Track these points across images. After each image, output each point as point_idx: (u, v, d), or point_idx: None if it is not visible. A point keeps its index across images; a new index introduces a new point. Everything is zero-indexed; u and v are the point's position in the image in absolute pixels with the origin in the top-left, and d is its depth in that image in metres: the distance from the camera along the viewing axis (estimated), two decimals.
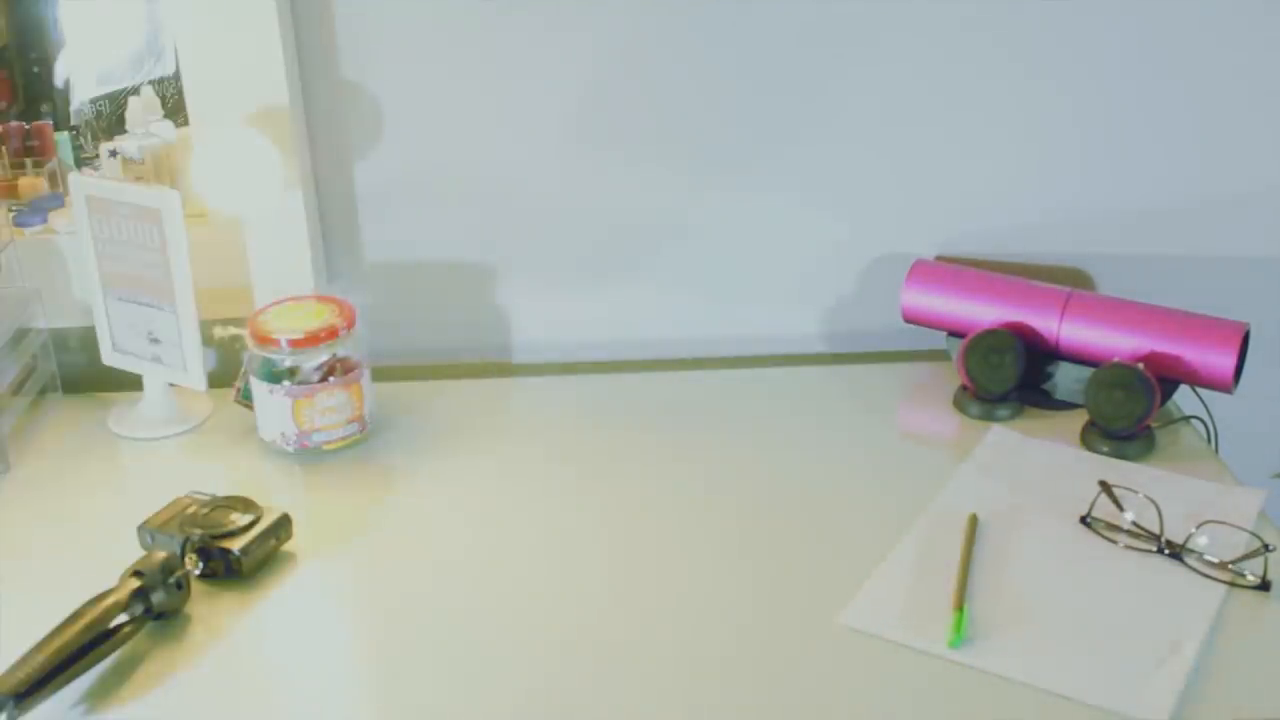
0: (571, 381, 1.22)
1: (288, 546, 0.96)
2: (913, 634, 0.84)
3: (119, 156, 1.18)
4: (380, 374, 1.15)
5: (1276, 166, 1.19)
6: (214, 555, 0.91)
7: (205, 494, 0.96)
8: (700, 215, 1.22)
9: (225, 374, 1.14)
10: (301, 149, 1.15)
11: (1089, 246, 1.23)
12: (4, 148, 1.20)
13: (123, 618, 0.83)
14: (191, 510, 0.94)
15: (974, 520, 0.95)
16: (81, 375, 1.19)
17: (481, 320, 1.26)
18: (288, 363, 1.05)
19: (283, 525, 0.94)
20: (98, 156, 1.20)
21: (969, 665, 0.81)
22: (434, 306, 1.25)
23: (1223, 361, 1.05)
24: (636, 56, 1.15)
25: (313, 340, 1.05)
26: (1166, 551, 0.91)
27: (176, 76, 1.15)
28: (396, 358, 1.25)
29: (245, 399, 1.11)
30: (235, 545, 0.91)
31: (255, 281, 1.16)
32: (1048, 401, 1.14)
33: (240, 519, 0.92)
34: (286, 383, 1.05)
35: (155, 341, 1.11)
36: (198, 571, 0.91)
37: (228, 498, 0.95)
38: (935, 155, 1.19)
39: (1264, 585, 0.88)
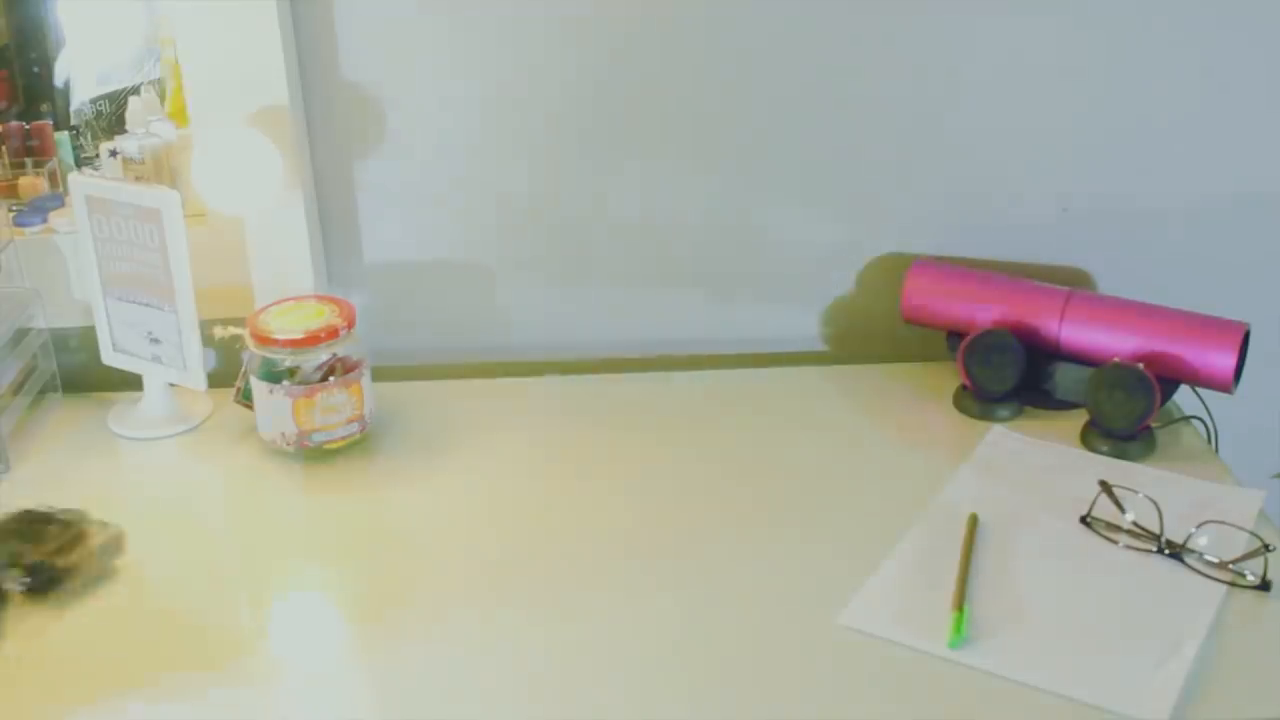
0: (571, 381, 1.21)
1: (288, 546, 0.96)
2: (913, 634, 0.84)
3: (119, 156, 1.18)
4: (380, 374, 1.15)
5: (1276, 166, 1.19)
6: (34, 571, 0.87)
7: (37, 508, 0.93)
8: (700, 215, 1.22)
9: (225, 374, 1.14)
10: (301, 149, 1.15)
11: (1089, 246, 1.23)
12: (4, 148, 1.20)
13: None
14: (10, 525, 0.90)
15: (974, 520, 0.95)
16: (81, 375, 1.19)
17: (481, 320, 1.26)
18: (288, 363, 1.05)
19: (105, 542, 0.90)
20: (98, 156, 1.21)
21: (969, 665, 0.81)
22: (434, 306, 1.25)
23: (1223, 361, 1.05)
24: (636, 57, 1.15)
25: (313, 340, 1.05)
26: (1166, 551, 0.91)
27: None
28: (396, 358, 1.25)
29: (245, 399, 1.11)
30: (58, 561, 0.88)
31: (255, 281, 1.16)
32: (1048, 401, 1.14)
33: (58, 534, 0.90)
34: (286, 383, 1.05)
35: (155, 341, 1.11)
36: (19, 588, 0.87)
37: (46, 512, 0.92)
38: (936, 155, 1.19)
39: (1264, 585, 0.88)
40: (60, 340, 1.19)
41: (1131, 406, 1.03)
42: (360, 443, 1.09)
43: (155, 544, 0.97)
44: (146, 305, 1.10)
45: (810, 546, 0.95)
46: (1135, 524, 0.94)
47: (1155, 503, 0.93)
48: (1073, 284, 1.19)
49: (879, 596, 0.88)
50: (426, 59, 1.15)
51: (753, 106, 1.17)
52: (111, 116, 1.21)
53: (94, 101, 1.22)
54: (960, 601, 0.86)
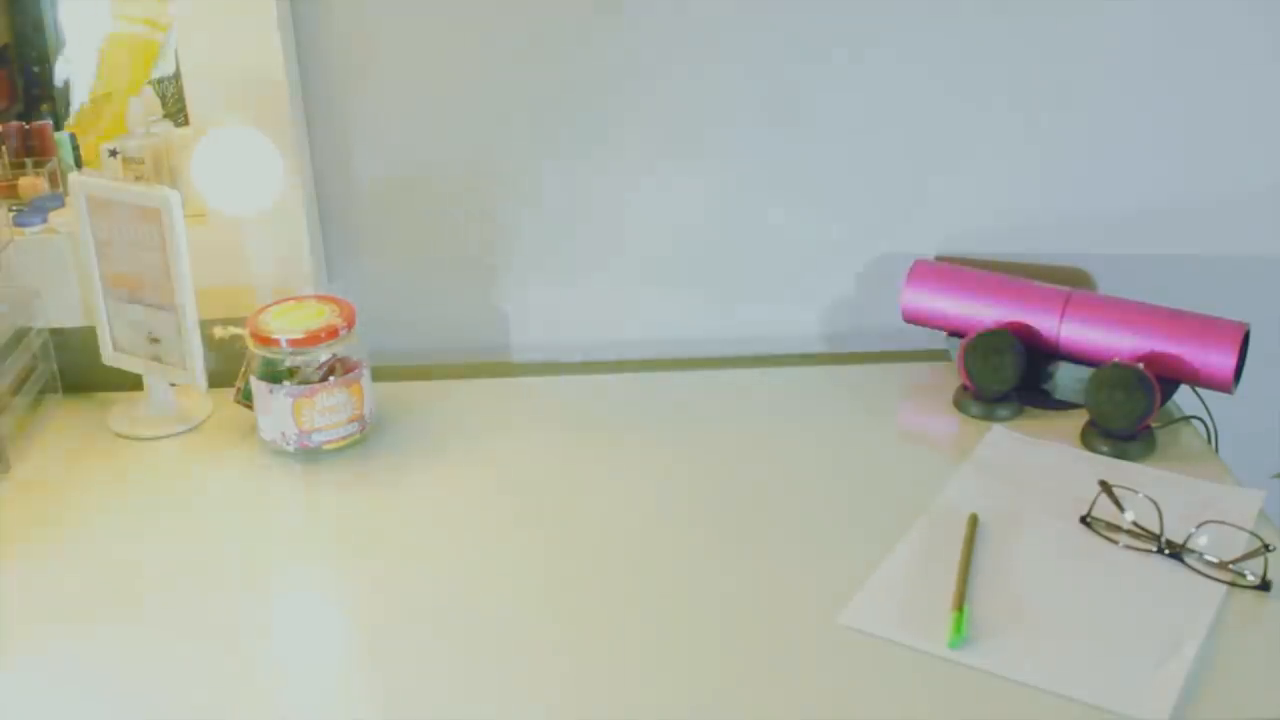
0: (571, 381, 1.21)
1: (288, 546, 0.96)
2: (913, 634, 0.84)
3: (119, 156, 1.18)
4: (380, 374, 1.15)
5: (1276, 166, 1.19)
6: None
7: None
8: (700, 215, 1.22)
9: (225, 374, 1.14)
10: (301, 149, 1.15)
11: (1089, 246, 1.23)
12: (4, 148, 1.20)
13: None
14: None
15: (974, 520, 0.95)
16: (81, 375, 1.19)
17: (481, 320, 1.26)
18: (288, 363, 1.05)
19: None
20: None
21: (969, 665, 0.81)
22: (434, 306, 1.25)
23: (1223, 361, 1.05)
24: (636, 57, 1.15)
25: (313, 340, 1.05)
26: (1166, 551, 0.91)
27: (176, 76, 1.15)
28: (396, 358, 1.25)
29: (245, 399, 1.11)
30: None
31: (255, 281, 1.16)
32: (1048, 401, 1.14)
33: None
34: (287, 383, 1.05)
35: (155, 341, 1.11)
36: None
37: None
38: (935, 155, 1.19)
39: (1264, 585, 0.88)
40: (60, 340, 1.19)
41: (1131, 406, 1.03)
42: (360, 443, 1.09)
43: (155, 544, 0.97)
44: (146, 305, 1.10)
45: (810, 546, 0.95)
46: (1135, 524, 0.94)
47: (1155, 503, 0.93)
48: (1073, 284, 1.19)
49: (879, 596, 0.88)
50: (426, 59, 1.15)
51: (754, 106, 1.17)
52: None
53: (94, 101, 1.22)
54: (960, 601, 0.86)
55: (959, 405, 1.14)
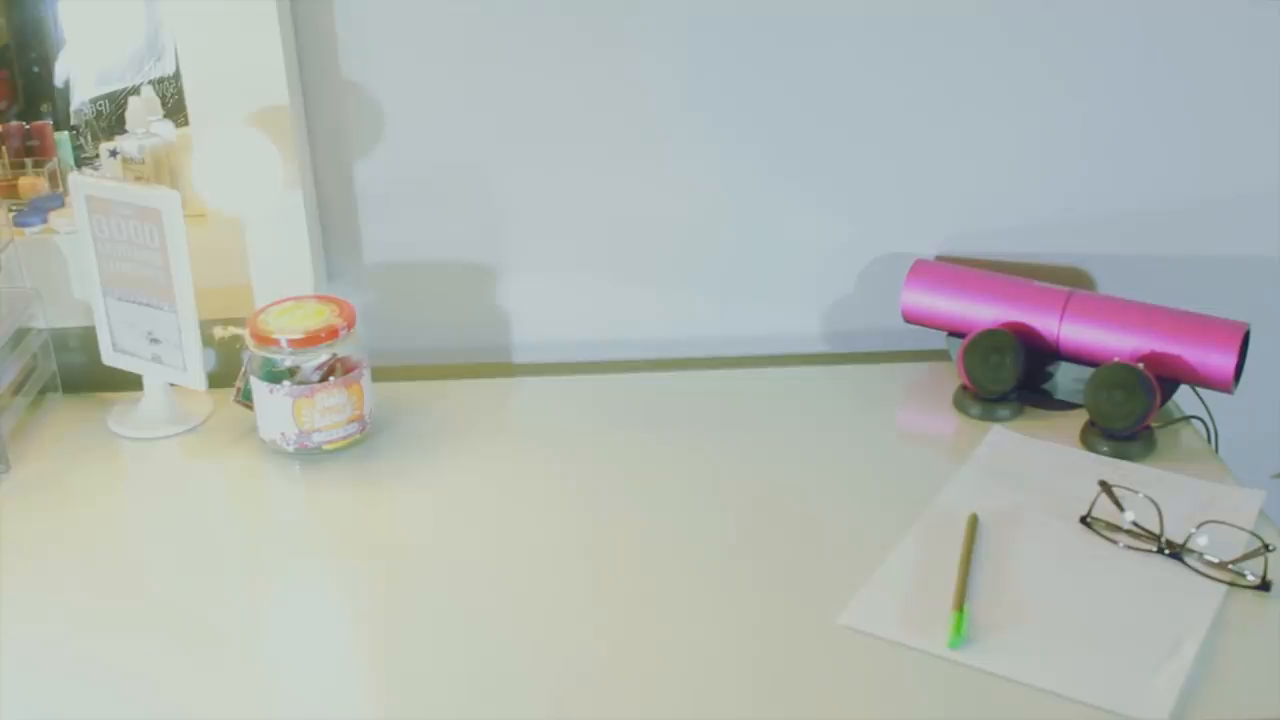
0: (571, 381, 1.21)
1: (288, 546, 0.95)
2: (913, 634, 0.84)
3: (119, 156, 1.18)
4: (380, 374, 1.15)
5: (1276, 166, 1.19)
6: None
7: None
8: (700, 215, 1.22)
9: (225, 374, 1.14)
10: (301, 149, 1.15)
11: (1089, 246, 1.23)
12: (4, 148, 1.20)
13: None
14: None
15: (974, 520, 0.95)
16: (81, 375, 1.19)
17: (481, 320, 1.26)
18: (288, 363, 1.05)
19: None
20: (98, 156, 1.21)
21: (969, 665, 0.81)
22: (434, 306, 1.25)
23: (1223, 361, 1.05)
24: (636, 56, 1.15)
25: (313, 340, 1.05)
26: (1166, 551, 0.91)
27: (176, 76, 1.15)
28: (396, 358, 1.25)
29: (245, 399, 1.11)
30: None
31: (255, 281, 1.16)
32: (1048, 401, 1.14)
33: None
34: (287, 383, 1.05)
35: (155, 341, 1.11)
36: None
37: None
38: (936, 155, 1.19)
39: (1264, 585, 0.88)
40: (60, 340, 1.19)
41: (1131, 406, 1.03)
42: (360, 443, 1.09)
43: (155, 544, 0.97)
44: (146, 305, 1.10)
45: (810, 546, 0.95)
46: (1135, 524, 0.94)
47: (1155, 503, 0.93)
48: (1073, 284, 1.19)
49: (879, 596, 0.88)
50: (426, 59, 1.15)
51: (753, 106, 1.17)
52: (111, 116, 1.21)
53: (94, 101, 1.22)
54: (960, 601, 0.86)
55: (959, 405, 1.14)
